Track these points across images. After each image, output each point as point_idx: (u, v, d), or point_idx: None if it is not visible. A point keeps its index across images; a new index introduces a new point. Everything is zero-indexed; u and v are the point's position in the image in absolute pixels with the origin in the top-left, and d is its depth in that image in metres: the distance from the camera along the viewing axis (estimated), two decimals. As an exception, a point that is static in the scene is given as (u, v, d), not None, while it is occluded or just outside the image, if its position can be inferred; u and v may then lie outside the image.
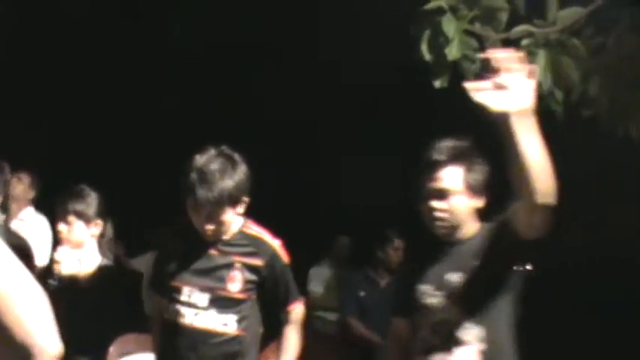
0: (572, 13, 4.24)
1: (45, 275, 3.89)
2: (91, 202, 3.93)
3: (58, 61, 8.90)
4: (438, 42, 4.18)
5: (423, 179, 3.13)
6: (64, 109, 9.15)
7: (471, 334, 3.03)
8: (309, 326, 4.88)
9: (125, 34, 9.15)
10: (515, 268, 3.06)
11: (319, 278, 7.55)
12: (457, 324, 3.04)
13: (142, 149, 9.34)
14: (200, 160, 3.46)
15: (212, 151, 3.49)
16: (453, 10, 4.26)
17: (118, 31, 9.10)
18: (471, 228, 3.15)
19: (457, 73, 4.32)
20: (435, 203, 3.11)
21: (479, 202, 3.15)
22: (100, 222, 3.96)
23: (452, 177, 3.10)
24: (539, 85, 4.19)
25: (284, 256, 3.59)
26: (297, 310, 3.69)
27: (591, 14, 4.29)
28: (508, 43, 4.30)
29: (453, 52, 4.16)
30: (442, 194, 3.10)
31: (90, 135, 9.28)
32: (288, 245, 3.65)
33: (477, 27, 4.32)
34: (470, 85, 2.57)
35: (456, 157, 3.11)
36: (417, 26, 4.25)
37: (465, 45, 4.23)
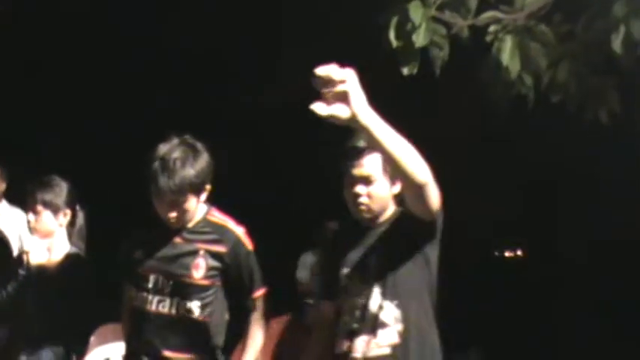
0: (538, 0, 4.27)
1: (15, 265, 3.94)
2: (60, 191, 3.96)
3: (56, 60, 8.91)
4: (406, 29, 4.20)
5: (346, 166, 3.22)
6: (62, 109, 9.17)
7: (391, 316, 3.12)
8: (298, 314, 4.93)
9: (124, 34, 9.14)
10: (428, 249, 3.15)
11: (306, 265, 7.53)
12: (377, 306, 3.12)
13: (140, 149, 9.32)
14: (162, 148, 3.51)
15: (174, 140, 3.53)
16: (422, -3, 4.29)
17: (118, 30, 9.08)
18: (389, 213, 3.25)
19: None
20: (359, 189, 3.20)
21: (396, 188, 3.23)
22: (68, 211, 4.00)
23: (373, 163, 3.19)
24: (507, 71, 4.24)
25: (248, 243, 3.62)
26: (262, 297, 3.71)
27: (559, 0, 4.32)
28: (476, 29, 4.34)
29: (420, 38, 4.19)
30: (365, 180, 3.20)
31: (89, 135, 9.29)
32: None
33: (446, 14, 4.35)
34: (315, 106, 2.65)
35: None
36: (385, 14, 4.29)
37: (433, 31, 4.26)
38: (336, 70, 2.65)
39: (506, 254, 8.89)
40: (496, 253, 8.91)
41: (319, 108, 2.66)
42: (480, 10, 4.37)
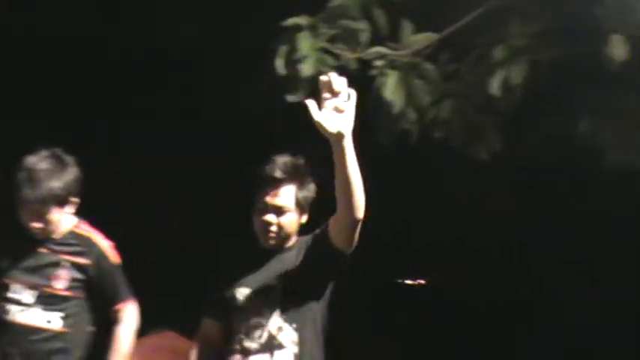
0: (424, 38, 4.40)
1: None
2: None
3: (52, 58, 8.80)
4: (293, 58, 4.31)
5: (261, 193, 3.29)
6: (57, 107, 9.06)
7: (289, 339, 3.22)
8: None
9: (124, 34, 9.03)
10: (329, 279, 3.28)
11: None
12: (277, 328, 3.22)
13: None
14: (30, 160, 3.57)
15: (43, 152, 3.60)
16: (313, 28, 4.40)
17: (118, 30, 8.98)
18: (293, 240, 3.35)
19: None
20: (271, 217, 3.28)
21: (304, 218, 3.35)
22: None
23: (287, 195, 3.28)
24: (390, 105, 4.37)
25: (113, 257, 3.68)
26: (127, 310, 3.75)
27: (446, 40, 4.45)
28: (362, 62, 4.45)
29: (306, 68, 4.30)
30: (278, 210, 3.28)
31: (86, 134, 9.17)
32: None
33: (338, 46, 4.46)
34: (309, 103, 2.78)
35: (292, 176, 3.28)
36: (276, 41, 4.39)
37: (321, 62, 4.37)
38: (345, 84, 2.78)
39: (409, 282, 8.99)
40: (399, 281, 9.01)
41: (313, 108, 2.77)
42: (373, 44, 4.49)
